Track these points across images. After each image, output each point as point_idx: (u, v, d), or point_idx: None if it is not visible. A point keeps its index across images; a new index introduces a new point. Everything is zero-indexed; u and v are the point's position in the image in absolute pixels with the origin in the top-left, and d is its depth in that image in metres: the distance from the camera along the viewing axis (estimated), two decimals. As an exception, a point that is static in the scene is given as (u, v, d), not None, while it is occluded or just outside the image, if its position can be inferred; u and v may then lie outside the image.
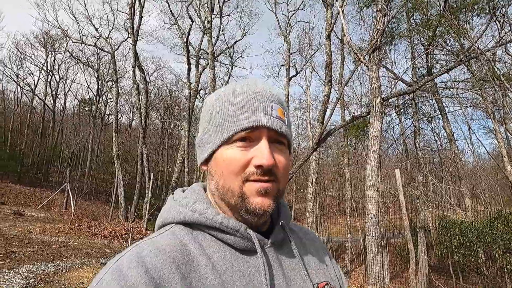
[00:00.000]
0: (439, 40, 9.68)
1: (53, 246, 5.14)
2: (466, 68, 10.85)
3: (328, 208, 22.49)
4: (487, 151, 14.04)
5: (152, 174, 8.57)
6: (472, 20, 8.67)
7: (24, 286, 3.16)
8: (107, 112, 31.17)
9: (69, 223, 7.48)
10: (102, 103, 30.51)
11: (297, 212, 26.18)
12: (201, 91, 17.22)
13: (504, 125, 11.45)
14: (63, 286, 3.29)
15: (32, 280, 3.36)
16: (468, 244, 7.31)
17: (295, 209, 26.40)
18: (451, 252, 8.01)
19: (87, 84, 37.63)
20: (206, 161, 0.51)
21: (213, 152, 0.49)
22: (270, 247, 0.50)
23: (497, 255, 6.98)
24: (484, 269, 7.99)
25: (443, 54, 11.22)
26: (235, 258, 0.46)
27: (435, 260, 11.54)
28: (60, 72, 27.76)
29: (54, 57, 26.40)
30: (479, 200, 11.37)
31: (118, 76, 20.93)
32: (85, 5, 17.81)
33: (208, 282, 0.42)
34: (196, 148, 0.54)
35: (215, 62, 13.14)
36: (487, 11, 8.19)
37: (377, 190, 6.33)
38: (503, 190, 15.29)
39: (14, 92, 27.40)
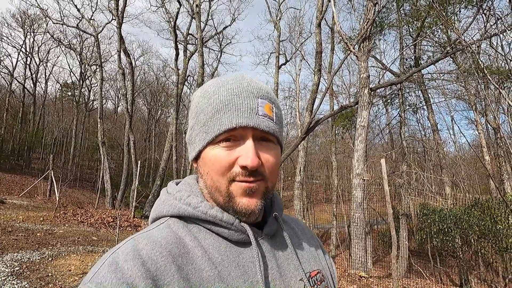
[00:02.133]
0: (427, 31, 9.78)
1: (38, 234, 5.05)
2: (451, 60, 11.07)
3: (315, 196, 22.95)
4: (468, 142, 14.55)
5: (139, 161, 8.45)
6: (460, 12, 8.77)
7: (9, 274, 3.11)
8: (91, 98, 30.22)
9: (54, 210, 7.34)
10: (86, 87, 29.47)
11: (285, 200, 26.60)
12: (189, 77, 16.90)
13: (485, 117, 11.87)
14: (49, 274, 3.26)
15: (17, 268, 3.31)
16: (446, 230, 7.68)
17: (283, 196, 26.82)
18: (430, 238, 8.41)
19: (70, 67, 36.17)
20: (195, 158, 0.51)
21: (200, 151, 0.49)
22: (264, 238, 0.51)
23: (472, 240, 7.37)
24: (460, 253, 8.45)
25: (430, 46, 11.38)
26: (230, 249, 0.47)
27: (415, 245, 12.08)
28: (40, 55, 26.48)
29: (33, 38, 25.10)
30: (458, 188, 11.87)
31: (103, 60, 20.19)
32: (66, -16, 16.83)
33: (204, 273, 0.42)
34: (187, 145, 0.54)
35: (203, 48, 12.84)
36: (474, 3, 8.30)
37: (362, 179, 6.50)
38: (481, 179, 15.99)
39: (-9, 74, 26.00)
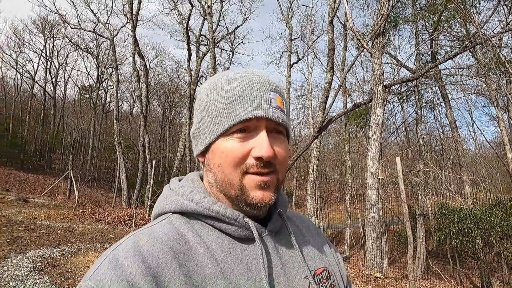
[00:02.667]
0: (445, 25, 9.46)
1: (58, 231, 5.25)
2: (471, 54, 10.65)
3: (328, 195, 22.70)
4: (486, 139, 13.99)
5: (154, 161, 8.62)
6: (479, 4, 8.43)
7: (32, 269, 3.25)
8: (108, 99, 31.06)
9: (73, 209, 7.60)
10: (103, 90, 30.34)
11: (298, 199, 26.45)
12: (202, 78, 17.06)
13: (507, 113, 11.36)
14: (69, 270, 3.38)
15: (39, 264, 3.46)
16: (466, 230, 7.41)
17: (295, 196, 26.66)
18: (449, 239, 8.14)
19: (87, 71, 37.29)
20: (203, 152, 0.50)
21: (210, 144, 0.48)
22: (268, 235, 0.50)
23: (494, 241, 7.08)
24: (481, 254, 8.13)
25: (448, 40, 11.00)
26: (233, 246, 0.46)
27: (433, 246, 11.73)
28: (59, 59, 27.48)
29: (53, 43, 26.07)
30: (479, 187, 11.43)
31: (118, 63, 20.68)
32: (83, -11, 17.34)
33: (206, 270, 0.42)
34: (192, 139, 0.53)
35: (215, 49, 12.95)
36: (495, -6, 7.95)
37: (377, 178, 6.37)
38: (503, 178, 15.33)
39: (14, 79, 27.22)
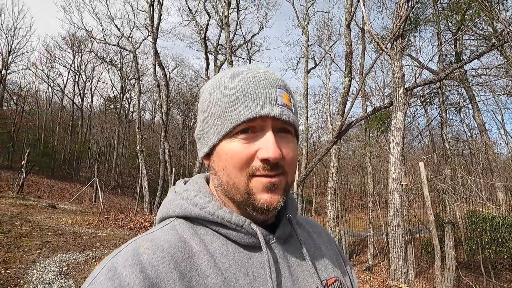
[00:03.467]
0: (469, 24, 9.07)
1: (84, 237, 5.46)
2: (499, 53, 10.12)
3: (349, 202, 22.08)
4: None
5: (173, 168, 8.81)
6: (506, 0, 8.04)
7: (58, 273, 3.39)
8: (131, 109, 32.33)
9: (98, 215, 7.89)
10: (126, 100, 31.65)
11: (318, 206, 25.94)
12: (219, 86, 17.36)
13: (542, 114, 10.62)
14: (92, 274, 3.49)
15: (65, 268, 3.60)
16: (500, 240, 6.94)
17: (315, 203, 26.18)
18: (481, 248, 7.64)
19: (112, 82, 39.10)
20: (208, 154, 0.48)
21: (214, 145, 0.45)
22: (276, 242, 0.47)
23: (532, 252, 6.57)
24: (519, 266, 7.56)
25: (473, 39, 10.53)
26: (239, 254, 0.44)
27: (464, 257, 11.05)
28: (86, 72, 29.06)
29: (81, 58, 27.67)
30: (513, 194, 10.68)
31: (140, 74, 21.50)
32: (108, 6, 18.42)
33: (209, 280, 0.39)
34: (197, 141, 0.50)
35: (233, 57, 13.17)
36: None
37: (400, 184, 6.13)
38: (541, 184, 14.23)
39: (46, 92, 29.06)
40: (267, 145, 0.42)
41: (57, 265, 3.65)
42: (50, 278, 3.23)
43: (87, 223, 6.95)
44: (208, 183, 0.52)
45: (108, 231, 6.41)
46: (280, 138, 0.44)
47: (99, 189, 11.37)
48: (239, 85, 0.44)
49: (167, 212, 0.47)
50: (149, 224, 7.91)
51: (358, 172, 24.84)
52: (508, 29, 6.21)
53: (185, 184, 0.52)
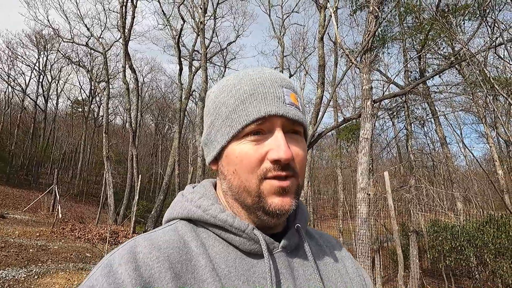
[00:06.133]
0: (431, 43, 9.69)
1: (30, 250, 4.93)
2: (458, 72, 10.89)
3: (322, 211, 22.42)
4: (474, 156, 14.09)
5: (140, 175, 8.39)
6: (464, 24, 8.70)
7: (-11, 293, 2.97)
8: (101, 113, 30.85)
9: (52, 225, 7.25)
10: (96, 104, 30.20)
11: (291, 215, 26.07)
12: (194, 92, 17.09)
13: (495, 130, 11.50)
14: (31, 293, 3.10)
15: (-1, 286, 3.17)
16: (459, 248, 7.25)
17: (289, 212, 26.31)
18: (443, 256, 7.95)
19: (80, 85, 37.21)
20: (216, 159, 0.47)
21: (223, 148, 0.45)
22: (281, 252, 0.45)
23: (488, 259, 6.92)
24: (476, 273, 7.93)
25: (435, 58, 11.26)
26: (240, 261, 0.42)
27: (428, 265, 11.48)
28: (52, 72, 27.42)
29: (47, 57, 26.09)
30: (471, 204, 11.36)
31: (112, 77, 20.67)
32: (77, 4, 17.61)
33: (205, 285, 0.38)
34: (203, 147, 0.49)
35: (208, 64, 13.03)
36: (477, 15, 8.21)
37: (367, 193, 6.23)
38: (494, 195, 15.34)
39: (5, 92, 26.96)
40: (278, 146, 0.41)
41: (-10, 283, 3.21)
42: (-22, 299, 2.81)
43: (38, 234, 6.34)
44: (215, 188, 0.51)
45: (61, 243, 5.88)
46: (289, 139, 0.43)
47: (57, 197, 10.54)
48: (246, 86, 0.44)
49: (172, 214, 0.47)
50: (110, 235, 7.39)
51: (331, 182, 25.39)
52: (465, 49, 6.65)
53: (193, 188, 0.51)
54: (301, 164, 0.44)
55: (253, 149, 0.42)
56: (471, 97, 10.58)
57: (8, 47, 24.64)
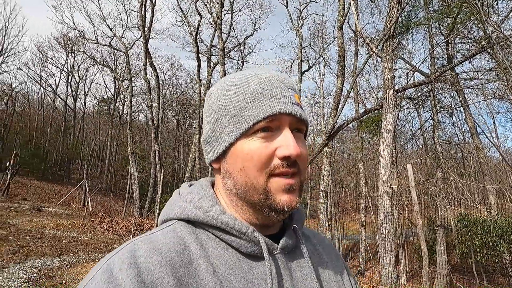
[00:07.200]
0: (460, 27, 9.08)
1: (63, 241, 5.26)
2: (490, 57, 10.15)
3: (344, 205, 22.03)
4: (505, 147, 13.13)
5: (162, 170, 8.65)
6: (497, 4, 8.06)
7: (26, 280, 3.21)
8: (125, 111, 32.02)
9: (83, 218, 7.68)
10: (120, 102, 31.34)
11: (312, 209, 25.84)
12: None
13: (533, 117, 10.66)
14: (63, 281, 3.32)
15: (35, 274, 3.42)
16: (491, 243, 6.88)
17: (310, 205, 26.08)
18: (473, 252, 7.57)
19: (105, 84, 38.77)
20: (219, 157, 0.46)
21: (230, 145, 0.44)
22: (280, 253, 0.46)
23: (523, 256, 6.51)
24: (510, 270, 7.50)
25: (464, 43, 10.56)
26: (240, 263, 0.42)
27: (457, 260, 11.00)
28: (79, 73, 28.73)
29: (74, 58, 27.35)
30: (505, 197, 10.67)
31: (134, 75, 21.31)
32: (100, 6, 18.20)
33: None
34: (204, 145, 0.49)
35: (226, 59, 13.07)
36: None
37: (390, 187, 6.04)
38: (532, 187, 14.29)
39: (38, 93, 28.66)
40: (287, 143, 0.42)
41: (27, 271, 3.47)
42: (17, 285, 3.05)
43: (70, 226, 6.74)
44: (213, 187, 0.50)
45: (91, 235, 6.22)
46: (295, 137, 0.44)
47: (87, 192, 11.14)
48: (254, 85, 0.44)
49: (169, 214, 0.46)
50: (135, 228, 7.72)
51: (353, 175, 24.83)
52: (497, 32, 6.19)
53: (190, 187, 0.50)
54: (304, 162, 0.45)
55: (263, 146, 0.42)
56: (505, 83, 9.85)
57: (39, 50, 26.08)
